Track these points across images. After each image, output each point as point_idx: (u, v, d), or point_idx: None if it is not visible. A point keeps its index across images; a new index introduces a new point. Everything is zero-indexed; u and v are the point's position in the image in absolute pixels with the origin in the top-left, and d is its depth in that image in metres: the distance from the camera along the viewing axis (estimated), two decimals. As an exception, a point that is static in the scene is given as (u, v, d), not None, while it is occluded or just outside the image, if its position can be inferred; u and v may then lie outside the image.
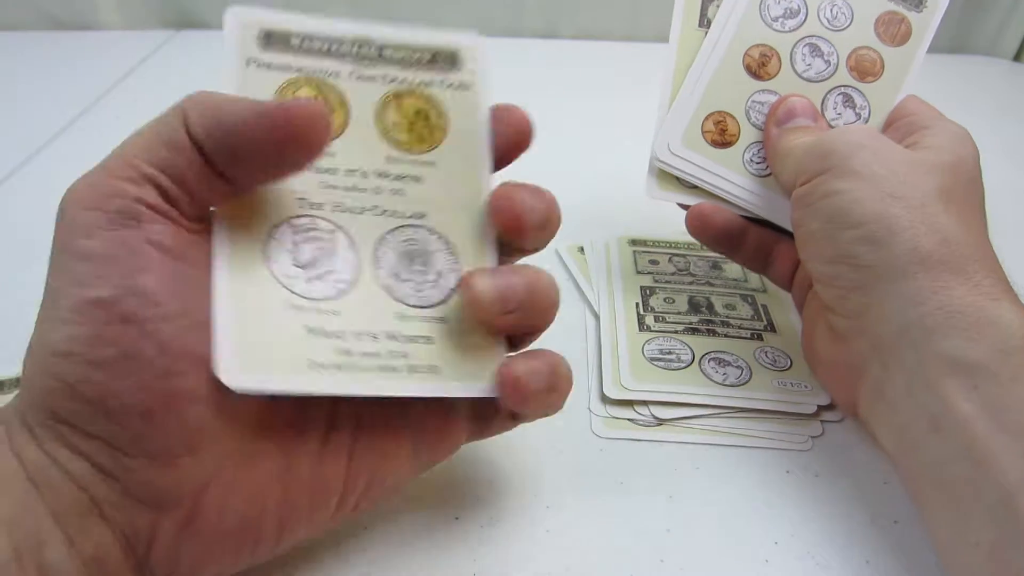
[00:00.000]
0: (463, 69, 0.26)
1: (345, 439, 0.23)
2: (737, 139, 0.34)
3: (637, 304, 0.37)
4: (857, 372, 0.27)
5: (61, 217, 0.20)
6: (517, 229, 0.24)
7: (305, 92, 0.24)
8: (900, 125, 0.32)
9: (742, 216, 0.34)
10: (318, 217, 0.24)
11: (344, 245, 0.24)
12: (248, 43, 0.25)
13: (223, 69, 0.24)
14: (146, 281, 0.19)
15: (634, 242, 0.42)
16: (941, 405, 0.23)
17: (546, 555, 0.26)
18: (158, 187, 0.20)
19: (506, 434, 0.30)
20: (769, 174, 0.33)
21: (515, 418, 0.26)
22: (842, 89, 0.34)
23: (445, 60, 0.26)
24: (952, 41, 0.76)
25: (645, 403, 0.32)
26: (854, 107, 0.34)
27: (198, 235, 0.22)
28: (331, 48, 0.25)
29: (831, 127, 0.33)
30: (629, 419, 0.31)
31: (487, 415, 0.26)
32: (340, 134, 0.25)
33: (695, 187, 0.34)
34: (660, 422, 0.31)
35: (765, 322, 0.36)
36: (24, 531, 0.18)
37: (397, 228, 0.25)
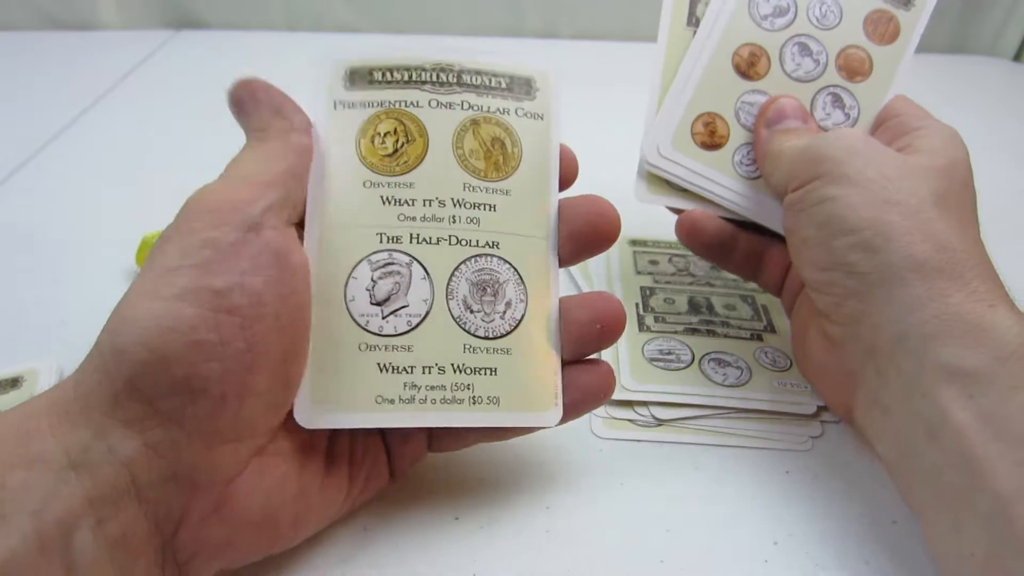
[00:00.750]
0: (537, 98, 0.27)
1: (345, 441, 0.25)
2: (727, 141, 0.34)
3: (637, 305, 0.37)
4: (852, 378, 0.27)
5: (188, 209, 0.22)
6: (601, 239, 0.27)
7: (386, 124, 0.25)
8: (890, 126, 0.32)
9: (732, 221, 0.34)
10: (396, 251, 0.25)
11: (419, 276, 0.25)
12: (336, 86, 0.26)
13: (313, 111, 0.25)
14: (255, 282, 0.21)
15: (634, 242, 0.42)
16: (937, 413, 0.23)
17: (546, 555, 0.26)
18: (288, 199, 0.23)
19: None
20: (759, 176, 0.33)
21: None
22: (831, 89, 0.34)
23: (520, 87, 0.27)
24: (952, 41, 0.76)
25: (645, 403, 0.32)
26: (843, 107, 0.34)
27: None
28: (411, 77, 0.26)
29: (821, 128, 0.33)
30: (629, 419, 0.32)
31: None
32: (419, 164, 0.25)
33: (685, 190, 0.34)
34: (660, 422, 0.31)
35: (765, 323, 0.36)
36: (53, 518, 0.19)
37: (471, 258, 0.25)
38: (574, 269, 0.40)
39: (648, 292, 0.38)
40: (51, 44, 0.70)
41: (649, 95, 0.34)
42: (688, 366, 0.33)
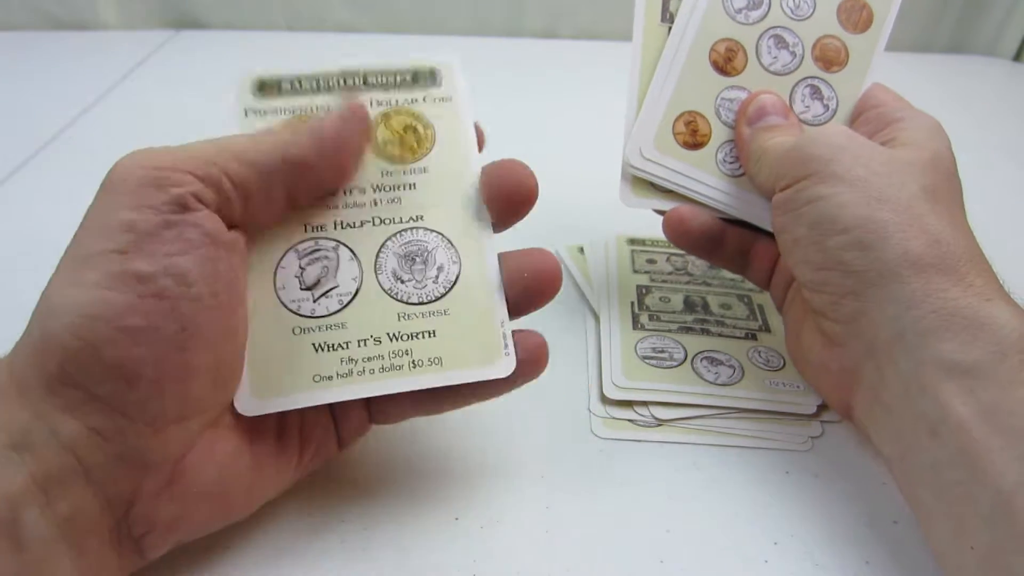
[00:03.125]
0: (443, 84, 0.28)
1: (295, 413, 0.25)
2: (709, 139, 0.33)
3: (632, 303, 0.37)
4: (851, 376, 0.27)
5: (112, 185, 0.21)
6: (517, 201, 0.26)
7: None
8: (870, 117, 0.32)
9: (719, 218, 0.34)
10: (321, 238, 0.25)
11: (347, 258, 0.25)
12: (244, 94, 0.27)
13: (226, 122, 0.26)
14: (184, 263, 0.21)
15: (632, 241, 0.42)
16: (938, 409, 0.23)
17: (546, 555, 0.26)
18: (218, 191, 0.22)
19: (507, 435, 0.31)
20: (743, 174, 0.33)
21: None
22: (809, 81, 0.33)
23: (425, 78, 0.28)
24: (952, 41, 0.76)
25: (645, 403, 0.32)
26: (822, 98, 0.33)
27: (235, 232, 0.23)
28: (319, 85, 0.27)
29: (802, 122, 0.33)
30: (629, 420, 0.32)
31: None
32: None
33: (670, 191, 0.34)
34: (660, 423, 0.31)
35: (760, 322, 0.36)
36: None
37: (396, 233, 0.26)
38: (573, 268, 0.40)
39: (644, 290, 0.38)
40: (51, 44, 0.70)
41: (628, 96, 0.34)
42: (680, 364, 0.33)
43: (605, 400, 0.32)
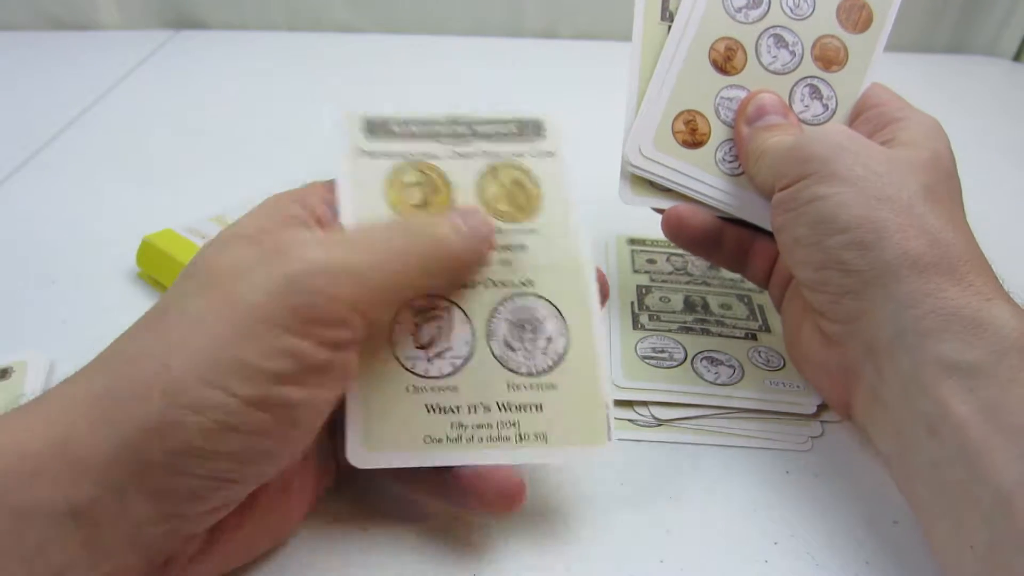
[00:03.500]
0: (548, 138, 0.28)
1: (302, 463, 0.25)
2: (708, 138, 0.33)
3: (632, 303, 0.37)
4: (850, 375, 0.27)
5: (290, 287, 0.21)
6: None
7: (411, 176, 0.26)
8: (870, 116, 0.32)
9: (718, 216, 0.33)
10: (435, 296, 0.25)
11: (460, 320, 0.25)
12: (355, 134, 0.27)
13: (337, 159, 0.26)
14: (320, 397, 0.22)
15: (632, 241, 0.42)
16: (937, 408, 0.23)
17: (546, 555, 0.26)
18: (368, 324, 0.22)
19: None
20: (743, 173, 0.33)
21: None
22: (808, 80, 0.33)
23: (531, 130, 0.28)
24: (952, 41, 0.76)
25: (645, 403, 0.32)
26: (821, 98, 0.33)
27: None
28: (428, 131, 0.27)
29: (801, 121, 0.33)
30: (629, 420, 0.32)
31: None
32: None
33: (669, 190, 0.34)
34: (660, 422, 0.31)
35: (760, 322, 0.36)
36: (46, 562, 0.18)
37: (508, 298, 0.26)
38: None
39: (644, 290, 0.38)
40: (51, 44, 0.70)
41: (627, 95, 0.34)
42: (680, 364, 0.33)
43: (605, 400, 0.32)
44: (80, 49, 0.69)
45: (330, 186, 0.26)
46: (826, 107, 0.33)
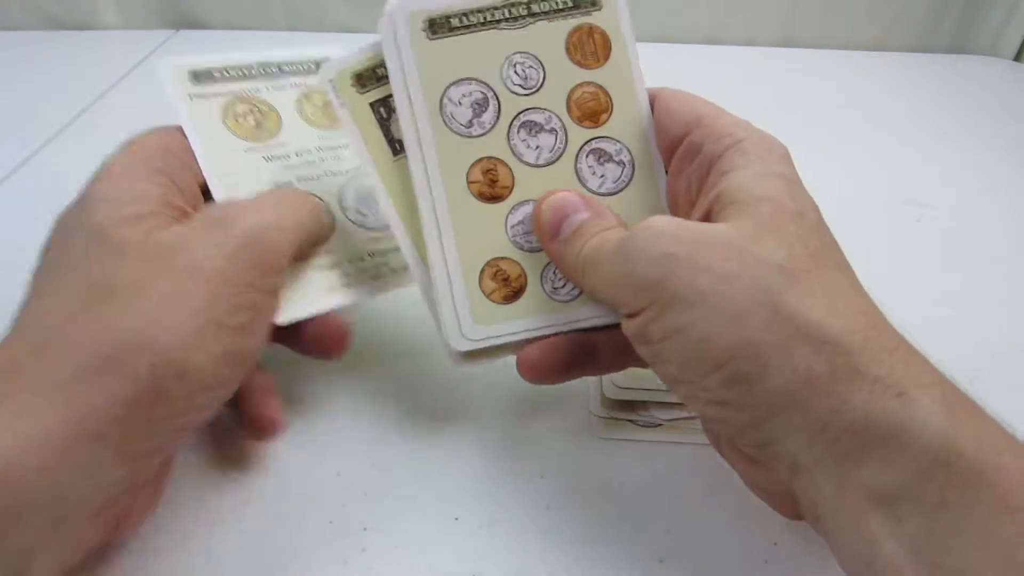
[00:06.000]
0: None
1: None
2: (525, 279, 0.28)
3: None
4: (786, 494, 0.23)
5: (246, 244, 0.24)
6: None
7: (241, 107, 0.32)
8: (688, 153, 0.27)
9: (579, 330, 0.28)
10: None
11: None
12: (184, 83, 0.32)
13: (175, 106, 0.31)
14: (260, 342, 0.25)
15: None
16: (868, 543, 0.20)
17: (546, 555, 0.26)
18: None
19: (507, 435, 0.30)
20: (580, 293, 0.28)
21: None
22: (587, 148, 0.28)
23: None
24: (952, 41, 0.76)
25: (645, 404, 0.32)
26: (611, 158, 0.28)
27: None
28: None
29: (608, 194, 0.28)
30: (629, 420, 0.31)
31: None
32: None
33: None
34: (660, 423, 0.31)
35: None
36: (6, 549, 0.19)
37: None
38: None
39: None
40: (51, 44, 0.70)
41: (406, 256, 0.28)
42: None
43: (605, 401, 0.32)
44: (80, 49, 0.69)
45: (176, 130, 0.30)
46: (622, 164, 0.28)
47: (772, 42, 0.76)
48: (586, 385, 0.33)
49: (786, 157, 0.25)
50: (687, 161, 0.27)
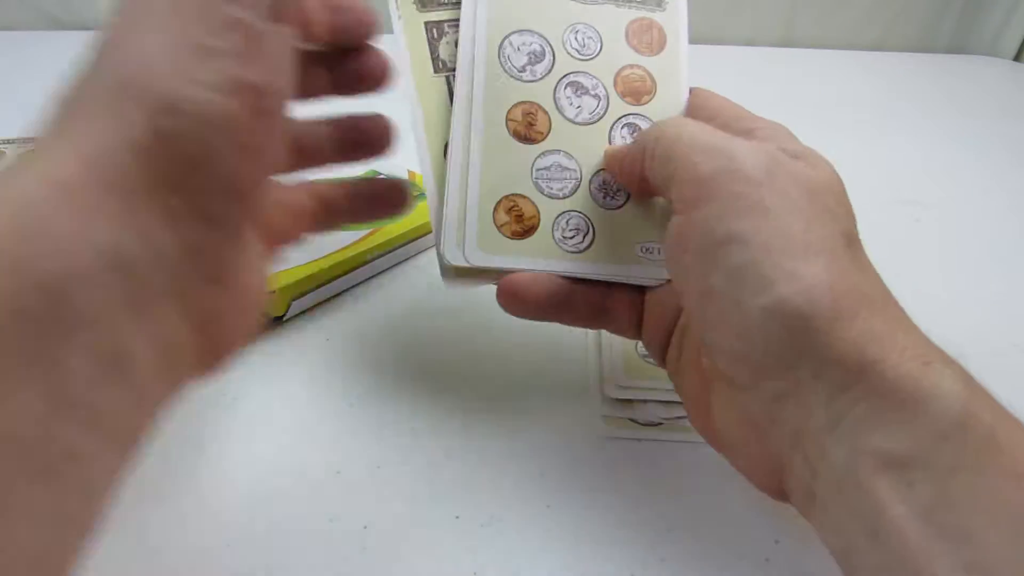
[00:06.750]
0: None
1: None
2: (538, 220, 0.29)
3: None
4: (778, 462, 0.22)
5: None
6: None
7: None
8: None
9: (564, 278, 0.28)
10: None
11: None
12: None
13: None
14: (280, 83, 0.21)
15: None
16: (875, 508, 0.20)
17: (546, 555, 0.26)
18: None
19: (507, 433, 0.31)
20: (589, 247, 0.29)
21: None
22: (624, 120, 0.30)
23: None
24: (952, 41, 0.76)
25: (646, 402, 0.32)
26: None
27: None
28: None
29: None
30: (629, 419, 0.31)
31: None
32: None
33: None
34: (661, 421, 0.31)
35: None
36: (97, 330, 0.17)
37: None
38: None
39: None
40: (51, 44, 0.70)
41: (424, 175, 0.29)
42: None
43: (606, 399, 0.32)
44: (80, 49, 0.69)
45: None
46: None
47: (772, 42, 0.76)
48: (587, 384, 0.33)
49: (792, 136, 0.26)
50: None
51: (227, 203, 0.20)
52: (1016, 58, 0.76)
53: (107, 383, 0.17)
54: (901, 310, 0.22)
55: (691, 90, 0.30)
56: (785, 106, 0.63)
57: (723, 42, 0.75)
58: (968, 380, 0.20)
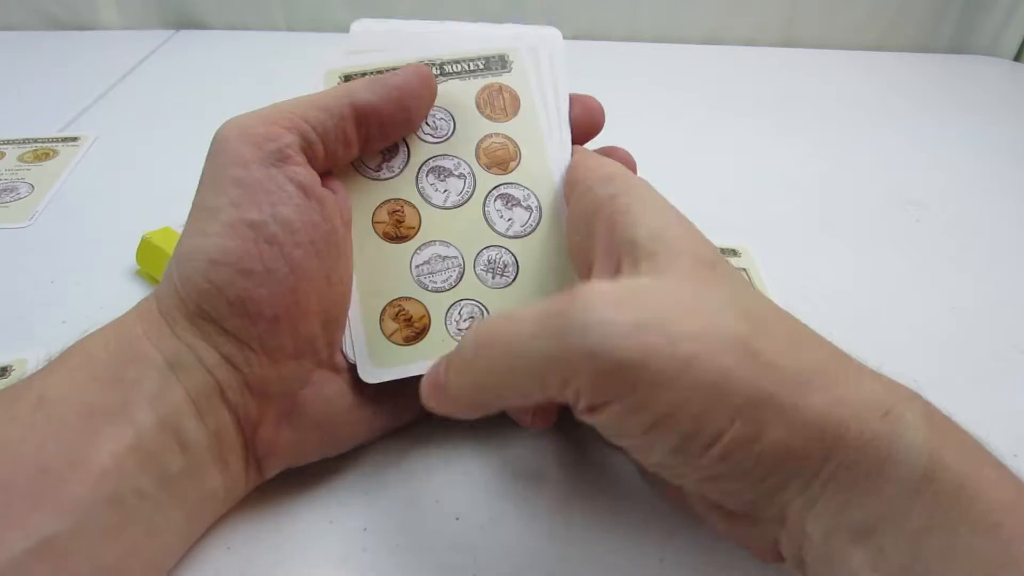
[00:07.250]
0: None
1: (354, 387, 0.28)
2: (429, 319, 0.28)
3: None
4: (767, 542, 0.22)
5: (219, 148, 0.24)
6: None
7: None
8: (576, 215, 0.27)
9: None
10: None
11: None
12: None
13: None
14: (287, 212, 0.24)
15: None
16: None
17: (547, 555, 0.26)
18: (304, 138, 0.25)
19: (508, 433, 0.31)
20: None
21: None
22: (495, 192, 0.29)
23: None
24: (952, 41, 0.76)
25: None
26: (519, 203, 0.29)
27: (327, 190, 0.26)
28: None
29: (515, 236, 0.28)
30: (629, 419, 0.31)
31: None
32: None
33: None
34: (660, 422, 0.31)
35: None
36: (166, 406, 0.22)
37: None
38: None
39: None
40: (51, 44, 0.70)
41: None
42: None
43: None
44: (80, 49, 0.69)
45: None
46: (530, 208, 0.29)
47: (772, 42, 0.76)
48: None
49: (655, 192, 0.25)
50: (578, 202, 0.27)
51: (242, 322, 0.24)
52: (1016, 58, 0.76)
53: (165, 440, 0.22)
54: (832, 345, 0.21)
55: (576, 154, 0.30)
56: (785, 106, 0.63)
57: (723, 42, 0.75)
58: (929, 417, 0.20)
